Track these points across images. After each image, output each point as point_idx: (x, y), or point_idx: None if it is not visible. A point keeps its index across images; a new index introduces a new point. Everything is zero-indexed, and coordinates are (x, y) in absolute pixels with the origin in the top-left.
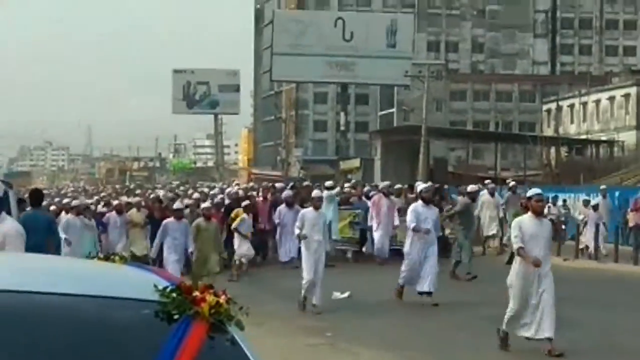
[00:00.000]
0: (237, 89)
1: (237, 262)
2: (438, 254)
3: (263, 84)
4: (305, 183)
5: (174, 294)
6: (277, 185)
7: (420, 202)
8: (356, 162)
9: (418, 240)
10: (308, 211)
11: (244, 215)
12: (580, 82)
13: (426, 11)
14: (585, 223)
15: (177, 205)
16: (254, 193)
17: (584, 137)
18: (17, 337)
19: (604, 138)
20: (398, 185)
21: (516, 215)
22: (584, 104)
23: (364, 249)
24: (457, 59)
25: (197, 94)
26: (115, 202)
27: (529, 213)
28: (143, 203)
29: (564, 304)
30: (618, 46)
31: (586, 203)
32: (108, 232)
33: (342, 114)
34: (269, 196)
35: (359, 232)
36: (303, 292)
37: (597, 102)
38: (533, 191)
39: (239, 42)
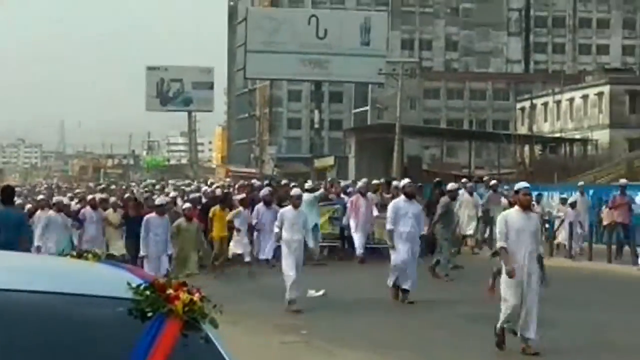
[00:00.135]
0: (211, 86)
1: (223, 259)
2: (424, 251)
3: (237, 81)
4: (284, 181)
5: (148, 292)
6: (255, 183)
7: (402, 197)
8: (330, 160)
9: (403, 238)
10: (287, 210)
11: (240, 209)
12: (554, 81)
13: (400, 9)
14: (562, 221)
15: (159, 200)
16: (231, 190)
17: (557, 135)
18: None
19: (577, 136)
20: (375, 181)
21: None
22: (558, 103)
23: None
24: (430, 57)
25: (170, 91)
26: (89, 197)
27: (516, 207)
28: (119, 202)
29: (542, 303)
30: (591, 45)
31: (563, 201)
32: (85, 227)
33: (316, 111)
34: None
35: (339, 229)
36: (288, 292)
37: (571, 100)
38: (521, 185)
39: (213, 39)
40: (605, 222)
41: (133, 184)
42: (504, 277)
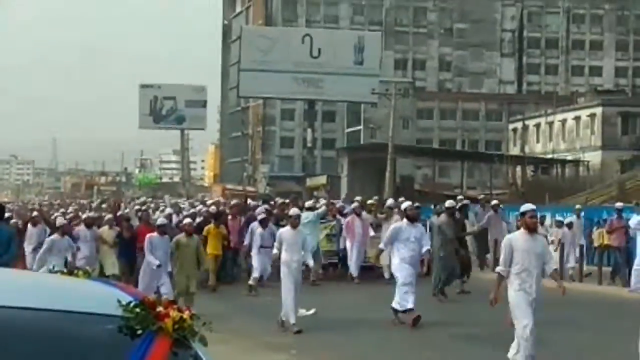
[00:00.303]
0: (203, 104)
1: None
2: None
3: (230, 99)
4: (280, 200)
5: (138, 309)
6: (250, 203)
7: (405, 220)
8: (323, 179)
9: (406, 262)
10: (285, 230)
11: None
12: (547, 102)
13: (394, 29)
14: (559, 243)
15: (160, 220)
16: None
17: (549, 156)
18: None
19: (569, 158)
20: (370, 201)
21: None
22: (550, 124)
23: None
24: (424, 77)
25: (163, 109)
26: (84, 216)
27: (522, 229)
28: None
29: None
30: (584, 66)
31: (559, 223)
32: (79, 246)
33: (309, 130)
34: (237, 215)
35: (337, 245)
36: (283, 313)
37: (563, 121)
38: (527, 207)
39: (206, 57)
40: (595, 244)
41: (126, 202)
42: (512, 299)
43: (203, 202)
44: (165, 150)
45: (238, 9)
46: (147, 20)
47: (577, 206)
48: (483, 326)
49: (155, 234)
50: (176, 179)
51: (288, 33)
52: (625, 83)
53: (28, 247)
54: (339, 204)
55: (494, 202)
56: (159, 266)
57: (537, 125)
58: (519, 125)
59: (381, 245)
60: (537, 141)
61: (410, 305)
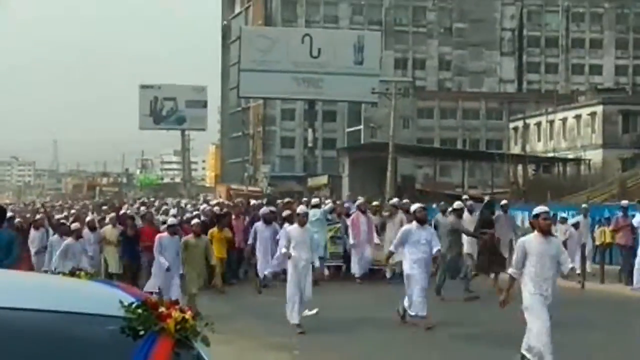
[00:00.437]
0: (204, 105)
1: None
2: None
3: (230, 100)
4: (287, 199)
5: (140, 310)
6: (255, 202)
7: (414, 222)
8: (324, 179)
9: (417, 265)
10: (293, 228)
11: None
12: (547, 100)
13: (393, 28)
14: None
15: (171, 221)
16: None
17: (550, 155)
18: None
19: (570, 156)
20: (375, 203)
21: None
22: (551, 122)
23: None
24: (424, 76)
25: (164, 110)
26: (88, 218)
27: (535, 232)
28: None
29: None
30: (584, 65)
31: (563, 220)
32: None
33: (309, 130)
34: (241, 214)
35: (342, 247)
36: (291, 315)
37: (564, 120)
38: (540, 209)
39: (206, 58)
40: (597, 242)
41: (125, 204)
42: (527, 302)
43: (206, 201)
44: (166, 150)
45: (237, 10)
46: (147, 21)
47: (584, 205)
48: (485, 326)
49: (165, 234)
50: (177, 180)
51: (288, 33)
52: (625, 81)
53: (32, 250)
54: (345, 204)
55: (503, 201)
56: (168, 269)
57: (538, 124)
58: (520, 124)
59: (391, 248)
60: (538, 140)
61: (424, 313)
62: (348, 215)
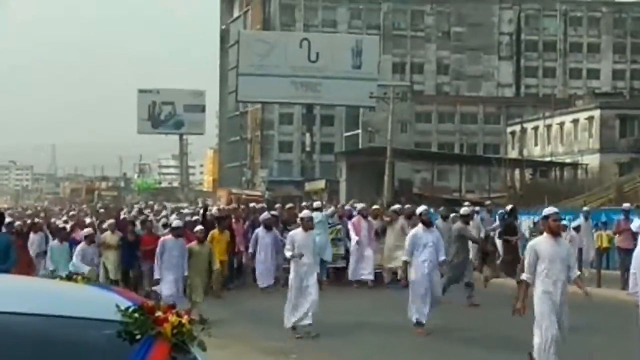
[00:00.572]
0: (202, 109)
1: None
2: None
3: (228, 104)
4: (289, 205)
5: (136, 314)
6: (257, 206)
7: (420, 225)
8: (321, 184)
9: (423, 268)
10: (297, 232)
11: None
12: (545, 105)
13: (391, 33)
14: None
15: (176, 223)
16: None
17: (548, 159)
18: None
19: (568, 161)
20: (375, 206)
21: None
22: (548, 127)
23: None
24: (422, 80)
25: (162, 114)
26: (88, 221)
27: (545, 234)
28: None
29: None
30: (582, 69)
31: (563, 227)
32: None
33: (307, 134)
34: (242, 218)
35: (343, 249)
36: (288, 319)
37: (561, 124)
38: (550, 210)
39: (205, 62)
40: (595, 247)
41: (124, 209)
42: (537, 306)
43: (205, 207)
44: (164, 155)
45: (236, 14)
46: (145, 25)
47: (585, 208)
48: (485, 331)
49: (169, 236)
50: (175, 184)
51: (286, 37)
52: (623, 85)
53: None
54: (346, 206)
55: (510, 206)
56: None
57: (536, 128)
58: (517, 128)
59: (404, 258)
60: (536, 144)
61: (423, 320)
62: (349, 218)
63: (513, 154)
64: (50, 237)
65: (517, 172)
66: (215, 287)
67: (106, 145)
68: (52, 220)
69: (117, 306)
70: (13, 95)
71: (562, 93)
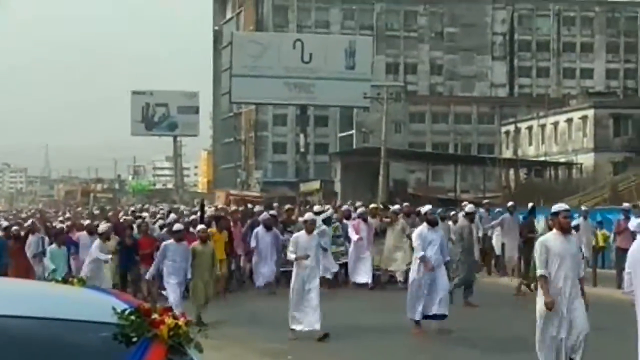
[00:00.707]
0: (196, 110)
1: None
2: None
3: (222, 105)
4: (288, 206)
5: (133, 317)
6: (256, 208)
7: (425, 224)
8: (316, 184)
9: (425, 268)
10: (300, 235)
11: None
12: (538, 104)
13: (384, 33)
14: None
15: (177, 226)
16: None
17: (542, 159)
18: None
19: (562, 160)
20: (372, 205)
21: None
22: (542, 126)
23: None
24: (415, 80)
25: (155, 116)
26: (86, 223)
27: (554, 230)
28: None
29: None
30: (575, 69)
31: None
32: (80, 252)
33: (301, 135)
34: (239, 221)
35: (344, 246)
36: (290, 321)
37: (555, 124)
38: (560, 206)
39: (198, 63)
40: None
41: (120, 211)
42: (539, 306)
43: (202, 204)
44: (158, 156)
45: (228, 15)
46: (138, 27)
47: (584, 207)
48: (483, 332)
49: (171, 240)
50: (169, 186)
51: (279, 38)
52: (616, 85)
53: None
54: (344, 207)
55: (510, 203)
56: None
57: (529, 128)
58: (511, 128)
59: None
60: (530, 144)
61: (417, 317)
62: (347, 218)
63: (507, 153)
64: (47, 238)
65: (511, 172)
66: (219, 290)
67: (100, 147)
68: (48, 224)
69: (114, 309)
70: (13, 96)
71: (556, 93)
